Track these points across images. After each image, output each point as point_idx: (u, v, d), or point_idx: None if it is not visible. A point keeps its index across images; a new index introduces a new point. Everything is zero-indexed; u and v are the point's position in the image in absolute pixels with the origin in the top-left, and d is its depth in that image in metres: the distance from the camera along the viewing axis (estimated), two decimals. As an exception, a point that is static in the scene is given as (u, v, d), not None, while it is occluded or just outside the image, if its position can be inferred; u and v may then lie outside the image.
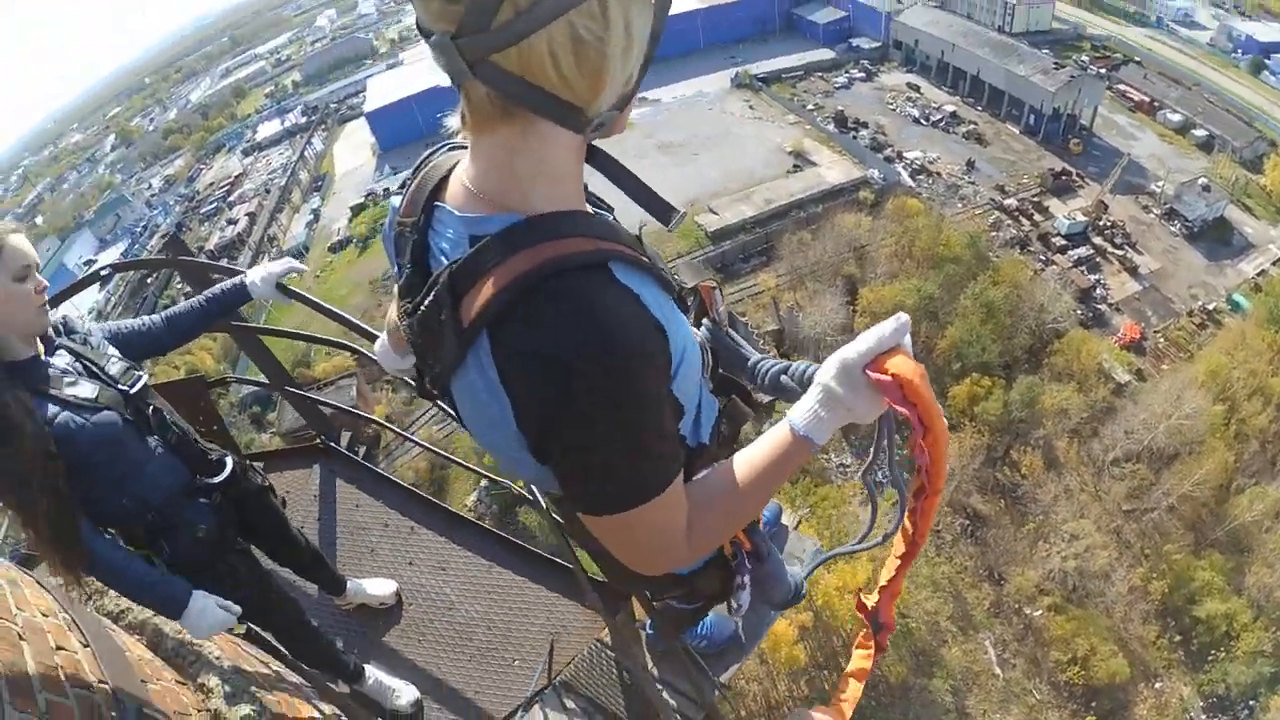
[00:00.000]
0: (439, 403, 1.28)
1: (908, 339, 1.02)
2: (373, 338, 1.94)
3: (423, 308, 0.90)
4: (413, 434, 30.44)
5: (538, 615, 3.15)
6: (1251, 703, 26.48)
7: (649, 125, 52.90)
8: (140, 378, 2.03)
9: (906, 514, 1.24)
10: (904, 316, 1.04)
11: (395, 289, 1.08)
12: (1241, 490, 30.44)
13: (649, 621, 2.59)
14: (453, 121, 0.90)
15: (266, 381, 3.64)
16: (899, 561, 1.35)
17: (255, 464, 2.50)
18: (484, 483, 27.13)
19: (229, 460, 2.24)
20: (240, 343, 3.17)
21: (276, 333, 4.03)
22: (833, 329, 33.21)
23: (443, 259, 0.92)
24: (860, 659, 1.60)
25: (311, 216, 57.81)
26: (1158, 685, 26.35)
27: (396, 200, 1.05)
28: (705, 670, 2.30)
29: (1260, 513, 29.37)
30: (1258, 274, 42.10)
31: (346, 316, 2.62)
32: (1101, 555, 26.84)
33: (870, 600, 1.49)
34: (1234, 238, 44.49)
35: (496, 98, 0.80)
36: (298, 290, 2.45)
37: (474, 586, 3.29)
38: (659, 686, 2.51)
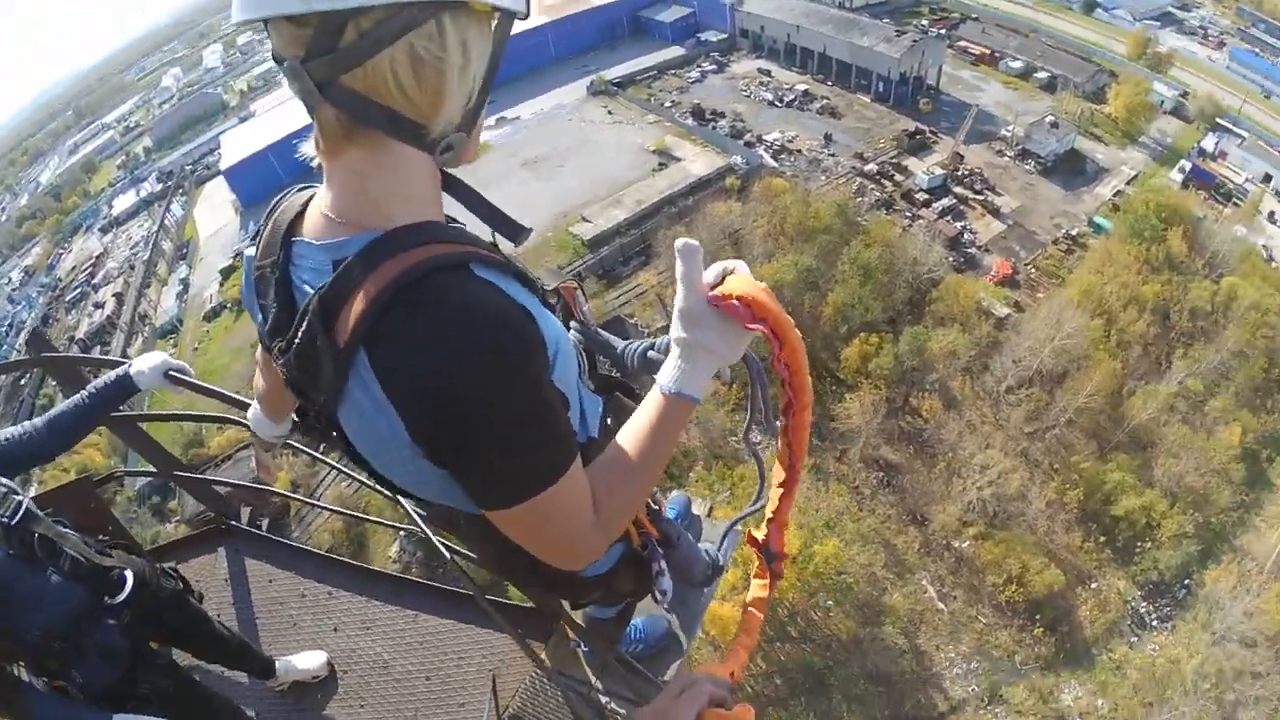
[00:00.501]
0: (327, 436, 1.26)
1: (743, 264, 1.21)
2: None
3: (296, 340, 1.04)
4: (320, 495, 31.92)
5: (474, 655, 3.41)
6: (1186, 582, 31.46)
7: (511, 144, 56.60)
8: (20, 504, 2.03)
9: (780, 437, 1.49)
10: (688, 241, 1.20)
11: (260, 335, 1.24)
12: (1133, 392, 36.03)
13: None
14: (307, 148, 1.09)
15: (155, 470, 3.81)
16: (781, 489, 1.57)
17: (166, 565, 2.64)
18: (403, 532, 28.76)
19: (129, 576, 2.28)
20: (120, 434, 3.37)
21: (158, 417, 4.23)
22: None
23: (308, 290, 1.05)
24: (758, 589, 1.86)
25: (181, 287, 57.99)
26: (1094, 585, 30.67)
27: (251, 250, 1.23)
28: (646, 674, 2.42)
29: (1155, 409, 34.87)
30: (1114, 195, 50.12)
31: (223, 393, 2.80)
32: (1013, 479, 31.06)
33: (760, 534, 1.76)
34: (1087, 166, 52.82)
35: (345, 119, 0.99)
36: (188, 379, 2.55)
37: (404, 640, 3.52)
38: (605, 700, 2.69)
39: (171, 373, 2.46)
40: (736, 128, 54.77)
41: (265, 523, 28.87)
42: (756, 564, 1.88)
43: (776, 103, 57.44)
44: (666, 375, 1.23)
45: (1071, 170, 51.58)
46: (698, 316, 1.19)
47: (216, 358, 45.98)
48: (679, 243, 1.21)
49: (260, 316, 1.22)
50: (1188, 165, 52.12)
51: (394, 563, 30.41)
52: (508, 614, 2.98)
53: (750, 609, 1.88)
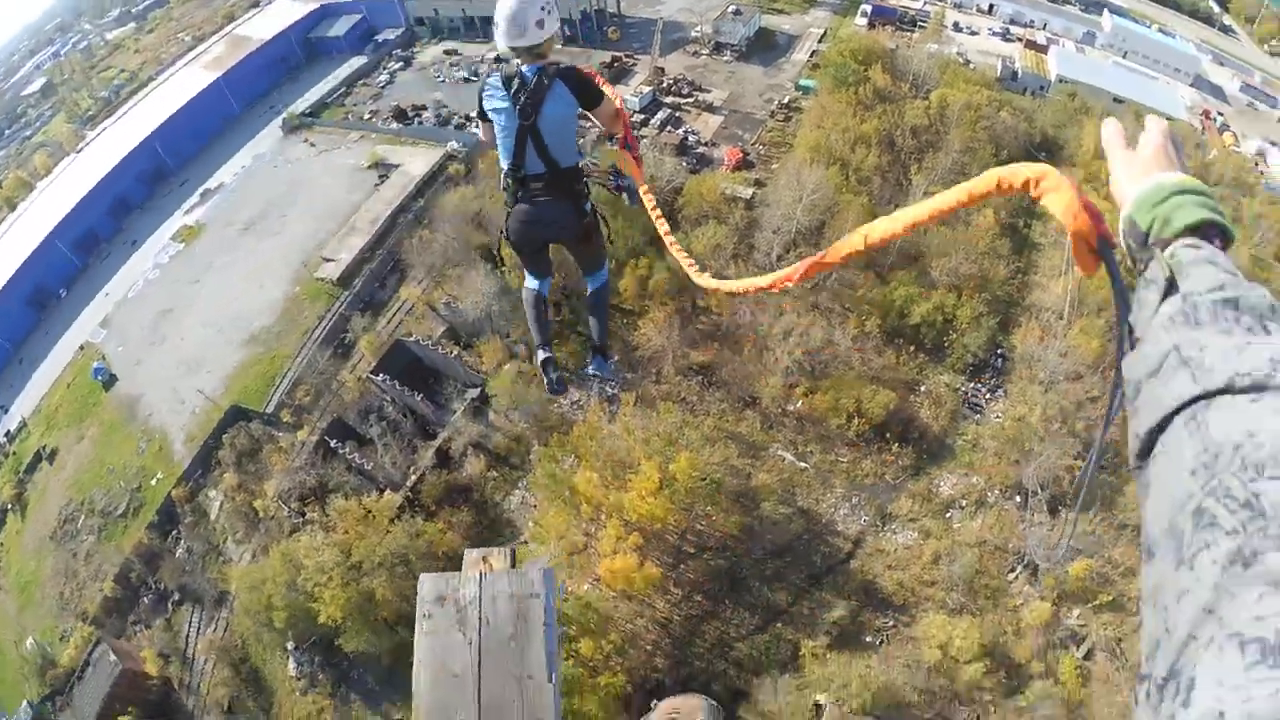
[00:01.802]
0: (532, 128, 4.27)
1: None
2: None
3: (533, 86, 4.12)
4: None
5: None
6: (999, 352, 34.76)
7: (222, 214, 51.41)
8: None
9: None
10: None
11: (499, 109, 4.32)
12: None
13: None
14: (507, 49, 4.26)
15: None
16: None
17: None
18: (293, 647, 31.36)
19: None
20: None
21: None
22: (490, 295, 34.59)
23: (528, 75, 4.14)
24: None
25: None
26: (923, 389, 32.95)
27: (495, 78, 4.28)
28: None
29: (911, 224, 37.48)
30: (810, 57, 53.59)
31: None
32: (815, 332, 32.09)
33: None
34: (778, 39, 56.08)
35: (536, 53, 4.25)
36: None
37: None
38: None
39: None
40: (442, 114, 52.40)
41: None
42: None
43: (472, 77, 55.42)
44: None
45: (765, 48, 54.49)
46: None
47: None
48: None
49: (504, 93, 4.19)
50: (868, 8, 56.93)
51: (297, 680, 31.59)
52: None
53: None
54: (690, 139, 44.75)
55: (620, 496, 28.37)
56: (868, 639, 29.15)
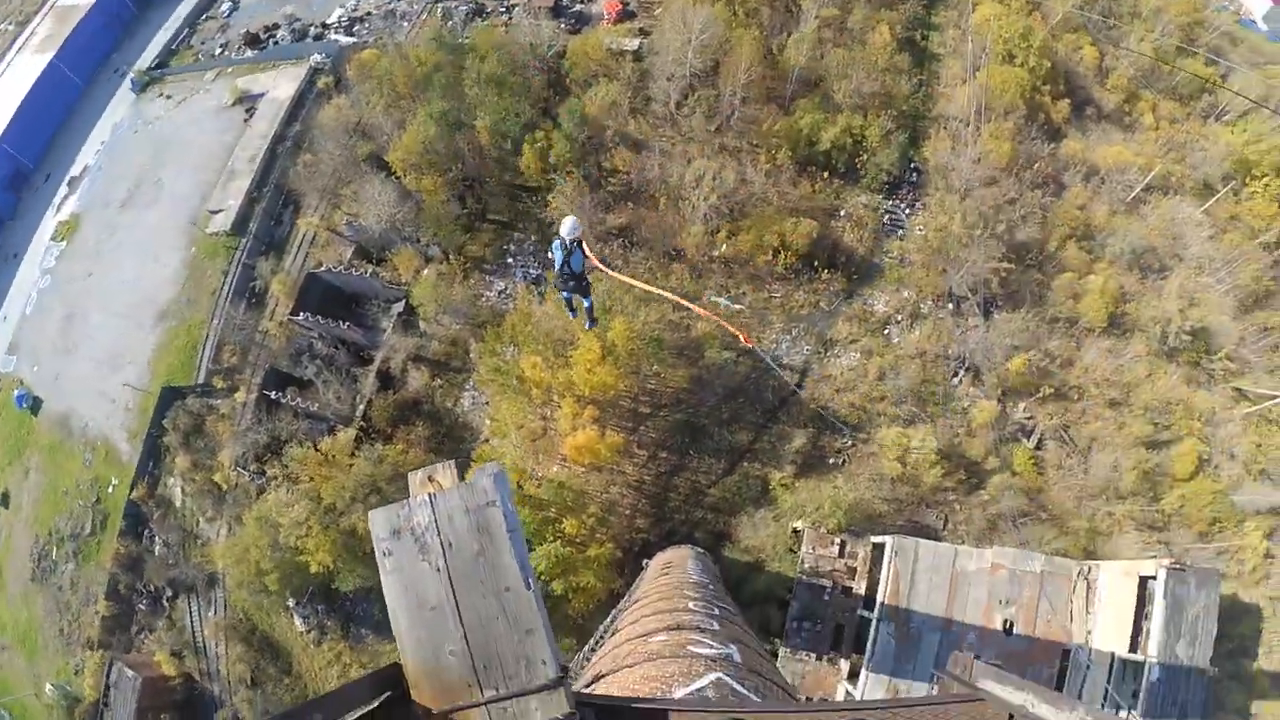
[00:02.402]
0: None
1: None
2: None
3: (569, 247, 14.59)
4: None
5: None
6: (912, 166, 34.55)
7: (97, 197, 47.35)
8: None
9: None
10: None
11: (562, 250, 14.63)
12: (782, 48, 36.91)
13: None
14: (565, 237, 14.80)
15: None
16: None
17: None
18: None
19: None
20: None
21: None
22: (391, 203, 32.81)
23: (568, 243, 14.59)
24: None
25: None
26: (843, 213, 32.89)
27: (557, 243, 14.58)
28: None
29: (807, 50, 35.96)
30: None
31: None
32: (727, 173, 31.28)
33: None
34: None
35: None
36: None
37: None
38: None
39: None
40: (297, 30, 47.83)
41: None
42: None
43: (322, -15, 50.21)
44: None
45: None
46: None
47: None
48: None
49: (560, 250, 14.44)
50: None
51: (307, 633, 32.53)
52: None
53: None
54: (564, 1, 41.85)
55: (567, 374, 28.14)
56: (831, 461, 30.25)
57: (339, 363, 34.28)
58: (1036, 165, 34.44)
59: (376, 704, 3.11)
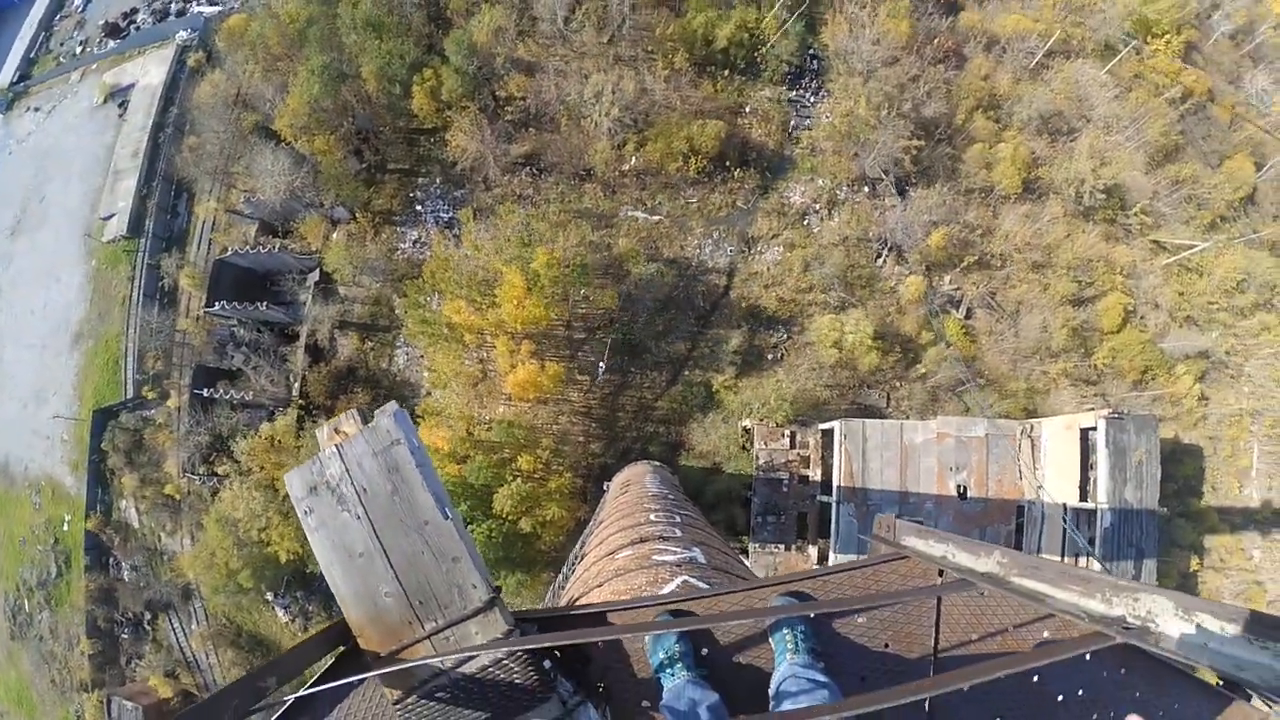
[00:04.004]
0: None
1: None
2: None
3: None
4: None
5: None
6: (811, 53, 33.85)
7: None
8: None
9: None
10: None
11: None
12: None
13: None
14: None
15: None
16: None
17: None
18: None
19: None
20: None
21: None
22: (286, 171, 31.11)
23: None
24: None
25: None
26: (749, 109, 32.30)
27: None
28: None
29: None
30: None
31: None
32: (626, 84, 30.30)
33: None
34: None
35: None
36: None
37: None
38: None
39: None
40: (157, 10, 44.74)
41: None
42: None
43: (176, -46, 46.71)
44: None
45: None
46: None
47: None
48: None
49: None
50: None
51: (292, 622, 32.23)
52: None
53: None
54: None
55: (496, 313, 27.36)
56: (769, 357, 30.27)
57: (265, 346, 32.90)
58: (936, 40, 34.13)
59: (332, 660, 3.24)
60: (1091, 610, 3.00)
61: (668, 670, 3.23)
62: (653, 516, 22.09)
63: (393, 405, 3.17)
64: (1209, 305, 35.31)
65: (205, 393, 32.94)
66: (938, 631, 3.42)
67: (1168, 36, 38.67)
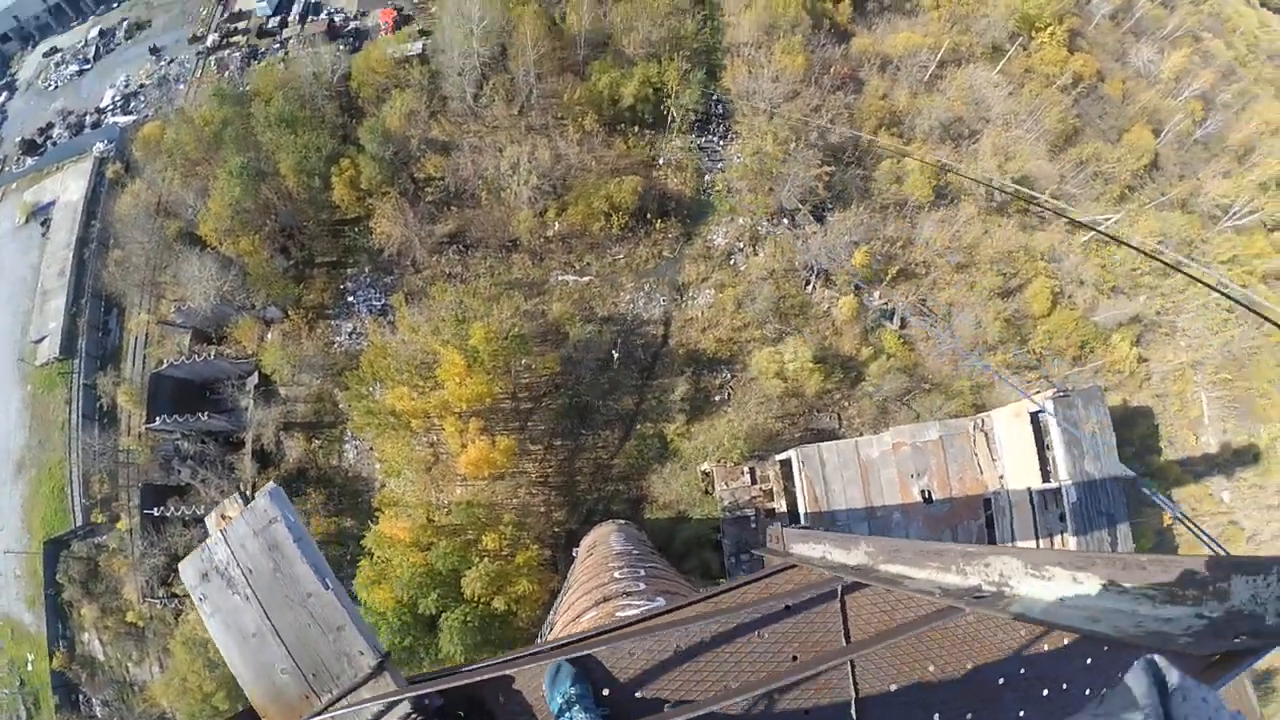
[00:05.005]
0: None
1: None
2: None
3: None
4: None
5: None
6: (716, 100, 34.15)
7: None
8: None
9: None
10: None
11: None
12: (564, 15, 35.75)
13: None
14: None
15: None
16: None
17: None
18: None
19: None
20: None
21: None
22: (214, 276, 30.30)
23: None
24: None
25: None
26: (661, 161, 32.74)
27: None
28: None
29: (588, 12, 34.78)
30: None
31: None
32: (541, 152, 30.39)
33: None
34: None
35: None
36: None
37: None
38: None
39: None
40: (73, 124, 43.71)
41: None
42: None
43: (86, 65, 45.92)
44: None
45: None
46: None
47: None
48: None
49: None
50: None
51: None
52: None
53: None
54: (337, 19, 39.46)
55: (440, 395, 26.80)
56: (717, 399, 30.13)
57: (211, 456, 31.77)
58: (832, 69, 34.86)
59: None
60: (948, 584, 2.90)
61: (566, 714, 3.17)
62: (616, 574, 21.53)
63: (270, 484, 3.25)
64: (1132, 272, 36.23)
65: (156, 512, 31.68)
66: (848, 634, 3.34)
67: (1051, 28, 40.01)
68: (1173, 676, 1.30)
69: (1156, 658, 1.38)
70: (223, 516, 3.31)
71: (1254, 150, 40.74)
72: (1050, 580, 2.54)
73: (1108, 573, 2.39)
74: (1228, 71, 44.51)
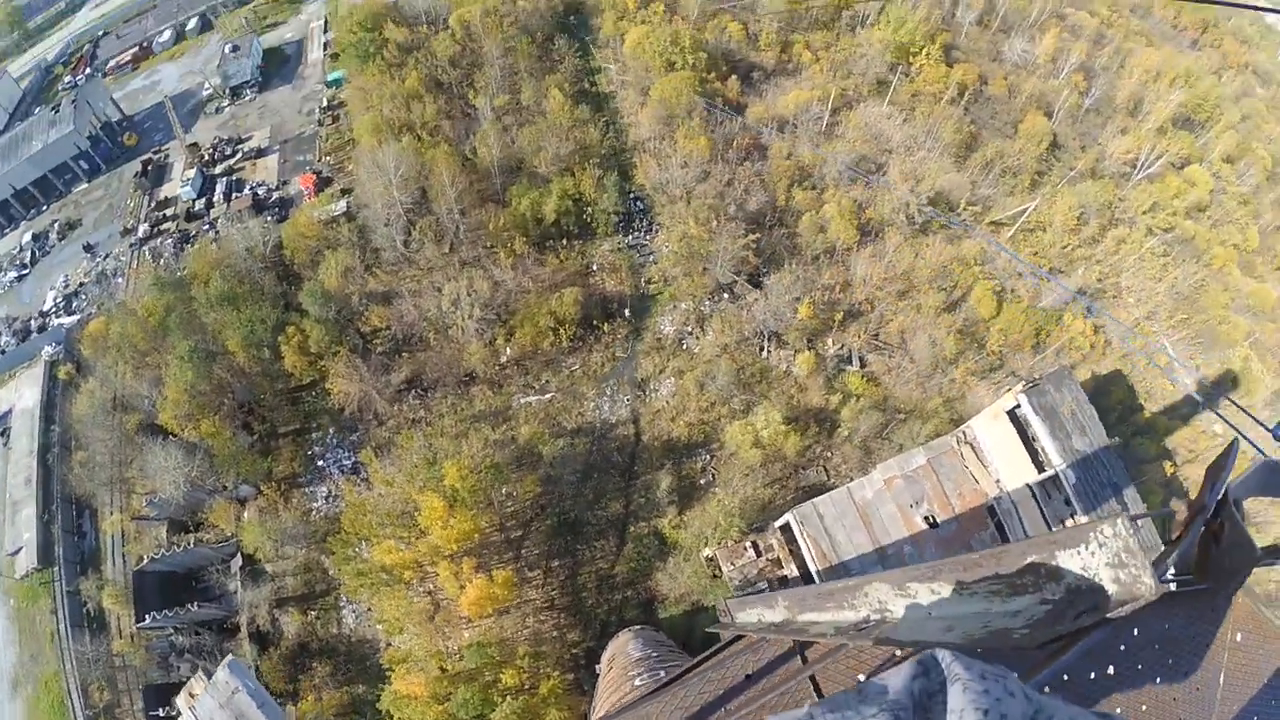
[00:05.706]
0: None
1: None
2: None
3: None
4: None
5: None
6: (633, 196, 34.79)
7: None
8: None
9: None
10: None
11: None
12: (475, 150, 36.72)
13: None
14: None
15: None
16: None
17: None
18: None
19: None
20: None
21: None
22: (180, 464, 29.57)
23: None
24: None
25: None
26: (595, 267, 32.65)
27: None
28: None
29: (496, 142, 35.85)
30: (325, 50, 48.98)
31: None
32: (479, 285, 30.59)
33: None
34: (286, 52, 50.84)
35: None
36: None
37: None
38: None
39: None
40: (19, 328, 43.44)
41: None
42: None
43: (24, 270, 45.58)
44: None
45: (280, 66, 49.32)
46: None
47: None
48: None
49: None
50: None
51: None
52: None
53: None
54: (260, 192, 39.99)
55: (427, 541, 26.28)
56: (702, 482, 30.01)
57: (208, 646, 30.55)
58: (735, 142, 36.13)
59: None
60: (843, 621, 2.81)
61: None
62: (637, 682, 20.86)
63: (228, 657, 3.22)
64: (1064, 250, 37.23)
65: (161, 712, 30.16)
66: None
67: (926, 49, 41.95)
68: (955, 670, 1.24)
69: (939, 653, 1.31)
70: (190, 694, 3.34)
71: (1143, 100, 42.63)
72: (914, 596, 2.52)
73: (953, 576, 2.41)
74: (1098, 38, 46.94)
